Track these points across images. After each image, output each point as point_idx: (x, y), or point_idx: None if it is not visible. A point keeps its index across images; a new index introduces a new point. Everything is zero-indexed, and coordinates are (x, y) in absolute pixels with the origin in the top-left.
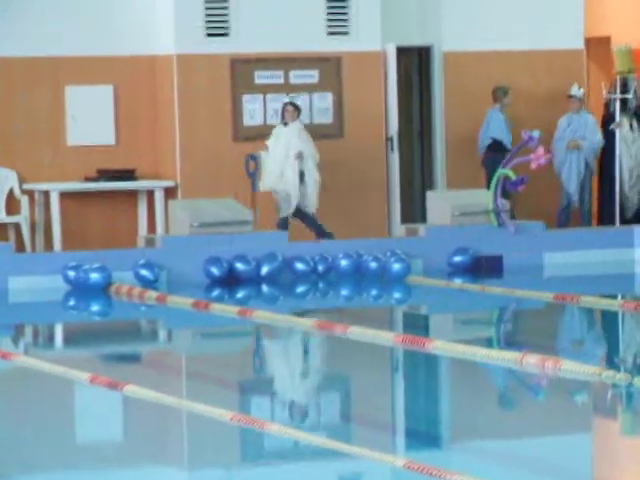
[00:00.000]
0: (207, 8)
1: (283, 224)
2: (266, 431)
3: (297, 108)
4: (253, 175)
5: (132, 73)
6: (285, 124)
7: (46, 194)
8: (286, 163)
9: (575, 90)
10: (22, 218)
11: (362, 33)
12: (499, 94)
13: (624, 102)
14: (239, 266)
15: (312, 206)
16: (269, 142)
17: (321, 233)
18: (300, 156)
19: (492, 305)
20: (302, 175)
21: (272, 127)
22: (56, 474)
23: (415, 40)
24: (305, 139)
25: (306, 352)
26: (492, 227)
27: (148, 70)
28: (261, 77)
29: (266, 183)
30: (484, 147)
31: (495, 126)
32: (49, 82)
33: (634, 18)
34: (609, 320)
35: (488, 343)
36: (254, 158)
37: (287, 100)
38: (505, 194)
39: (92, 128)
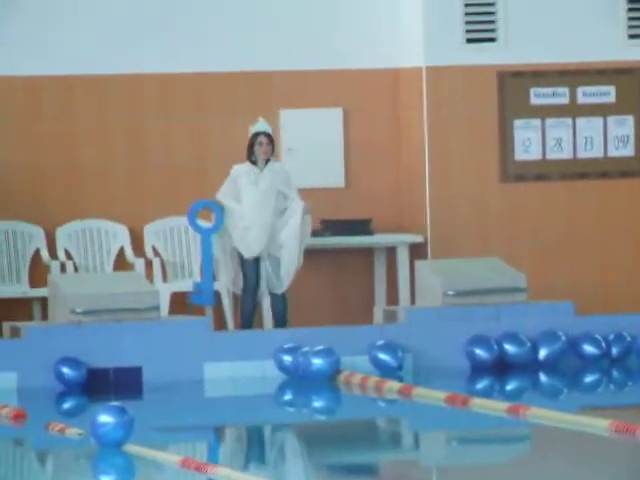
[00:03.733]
0: (467, 5)
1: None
2: None
3: (272, 140)
4: (208, 234)
5: (367, 92)
6: (265, 162)
7: None
8: (280, 222)
9: None
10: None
11: None
12: None
13: None
14: (509, 348)
15: (287, 281)
16: (247, 192)
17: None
18: (309, 210)
19: None
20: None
21: (552, 163)
22: None
23: None
24: (293, 185)
25: (599, 464)
26: None
27: (388, 88)
28: (539, 96)
29: (253, 250)
30: None
31: None
32: (258, 104)
33: None
34: None
35: None
36: (214, 208)
37: (261, 127)
38: None
39: (314, 165)
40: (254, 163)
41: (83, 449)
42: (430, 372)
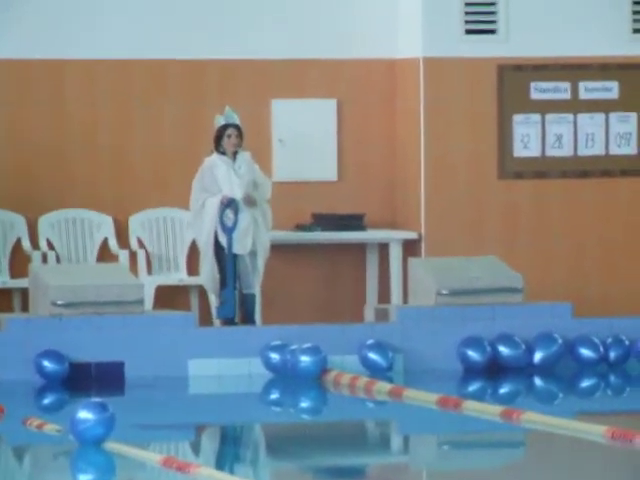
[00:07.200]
0: None
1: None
2: None
3: (241, 131)
4: (230, 231)
5: (362, 83)
6: (233, 154)
7: None
8: (259, 221)
9: None
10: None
11: None
12: None
13: None
14: (503, 350)
15: (261, 275)
16: (227, 185)
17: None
18: (253, 202)
19: None
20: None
21: (552, 160)
22: None
23: None
24: (263, 179)
25: (595, 472)
26: None
27: (384, 79)
28: (539, 90)
29: (245, 245)
30: None
31: None
32: (249, 93)
33: None
34: None
35: None
36: (234, 206)
37: (230, 119)
38: None
39: (307, 157)
40: (223, 154)
41: (62, 446)
42: (421, 373)
